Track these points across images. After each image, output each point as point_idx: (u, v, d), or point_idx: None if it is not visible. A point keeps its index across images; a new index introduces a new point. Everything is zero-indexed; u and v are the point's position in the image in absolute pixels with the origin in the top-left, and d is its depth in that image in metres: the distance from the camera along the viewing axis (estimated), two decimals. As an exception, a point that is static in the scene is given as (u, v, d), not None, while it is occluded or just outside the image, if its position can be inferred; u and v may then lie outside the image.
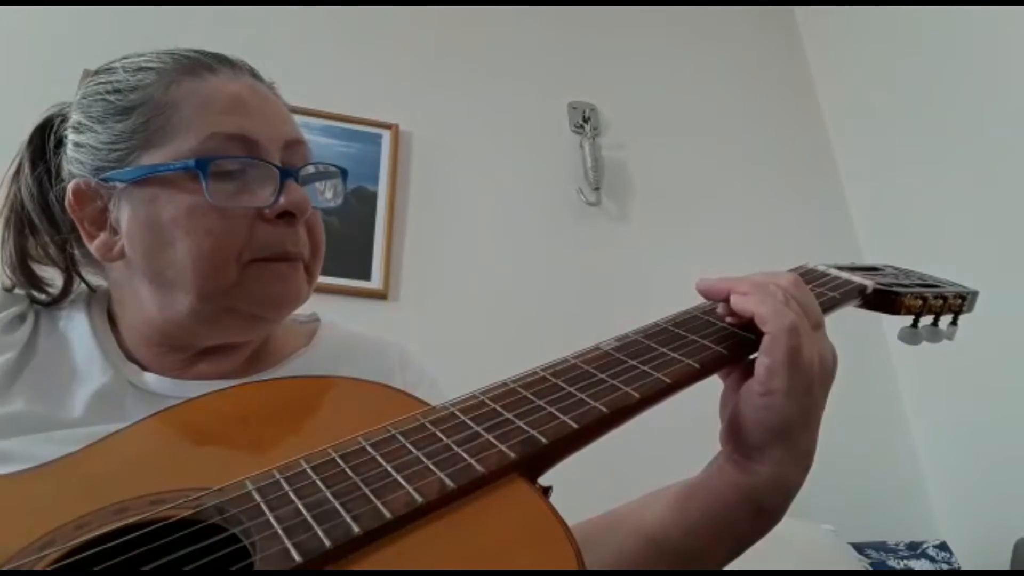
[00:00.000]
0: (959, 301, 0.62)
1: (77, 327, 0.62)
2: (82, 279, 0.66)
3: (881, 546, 1.56)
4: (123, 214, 0.57)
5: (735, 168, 2.09)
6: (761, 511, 0.48)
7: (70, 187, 0.58)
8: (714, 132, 2.13)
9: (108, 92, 0.59)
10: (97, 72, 0.62)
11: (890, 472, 1.80)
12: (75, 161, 0.59)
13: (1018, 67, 1.66)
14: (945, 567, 1.53)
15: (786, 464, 0.46)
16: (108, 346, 0.61)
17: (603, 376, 0.45)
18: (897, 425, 1.88)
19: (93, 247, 0.59)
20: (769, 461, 0.46)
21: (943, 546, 1.58)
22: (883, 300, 0.59)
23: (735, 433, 0.47)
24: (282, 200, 0.57)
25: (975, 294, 0.64)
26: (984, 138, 1.73)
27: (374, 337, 0.74)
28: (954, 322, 0.63)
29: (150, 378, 0.59)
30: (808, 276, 0.59)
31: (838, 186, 2.18)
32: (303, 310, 0.66)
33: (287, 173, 0.58)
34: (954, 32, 1.84)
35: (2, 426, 0.52)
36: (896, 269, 0.66)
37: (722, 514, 0.48)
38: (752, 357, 0.47)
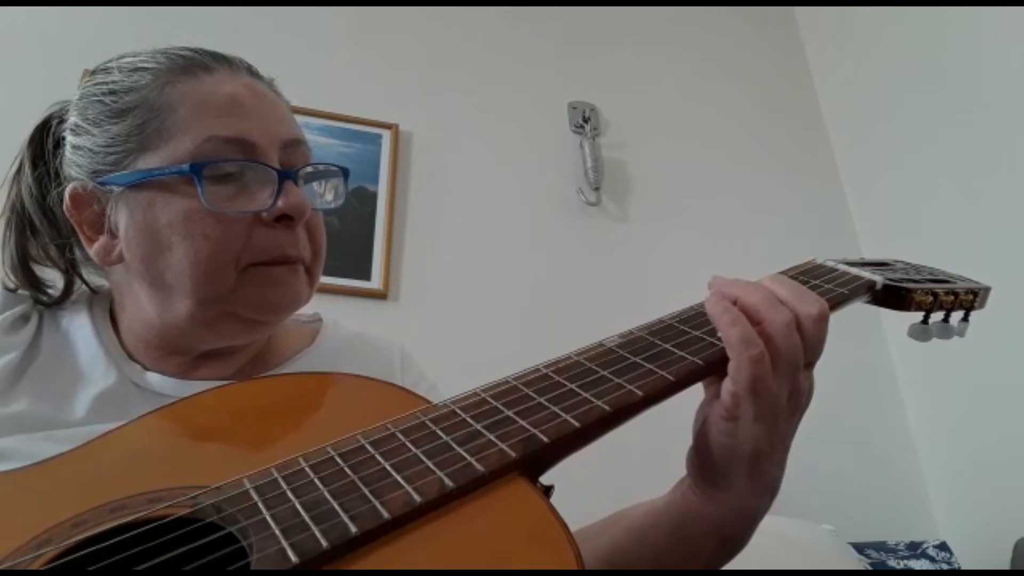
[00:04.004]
0: (971, 297, 0.61)
1: (80, 328, 0.61)
2: (83, 281, 0.65)
3: (881, 546, 1.55)
4: (121, 218, 0.57)
5: (735, 168, 2.09)
6: (726, 541, 0.48)
7: (67, 191, 0.58)
8: (714, 132, 2.13)
9: (104, 94, 0.58)
10: (94, 72, 0.61)
11: (890, 472, 1.80)
12: (73, 164, 0.59)
13: (1018, 65, 1.65)
14: (945, 567, 1.53)
15: (750, 494, 0.46)
16: (111, 347, 0.60)
17: (606, 374, 0.44)
18: (897, 425, 1.87)
19: (92, 251, 0.59)
20: (734, 490, 0.46)
21: (943, 546, 1.58)
22: (893, 296, 0.58)
23: (701, 457, 0.46)
24: (280, 203, 0.56)
25: (987, 290, 0.63)
26: (984, 136, 1.73)
27: (376, 337, 0.73)
28: (965, 318, 0.62)
29: (153, 378, 0.59)
30: (816, 272, 0.58)
31: (838, 186, 2.18)
32: (305, 310, 0.66)
33: (285, 175, 0.57)
34: (954, 31, 1.83)
35: (5, 425, 0.52)
36: (906, 264, 0.65)
37: (687, 546, 0.48)
38: None
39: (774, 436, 0.44)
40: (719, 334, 0.45)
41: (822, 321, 0.46)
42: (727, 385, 0.43)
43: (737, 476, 0.45)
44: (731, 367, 0.43)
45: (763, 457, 0.44)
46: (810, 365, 0.46)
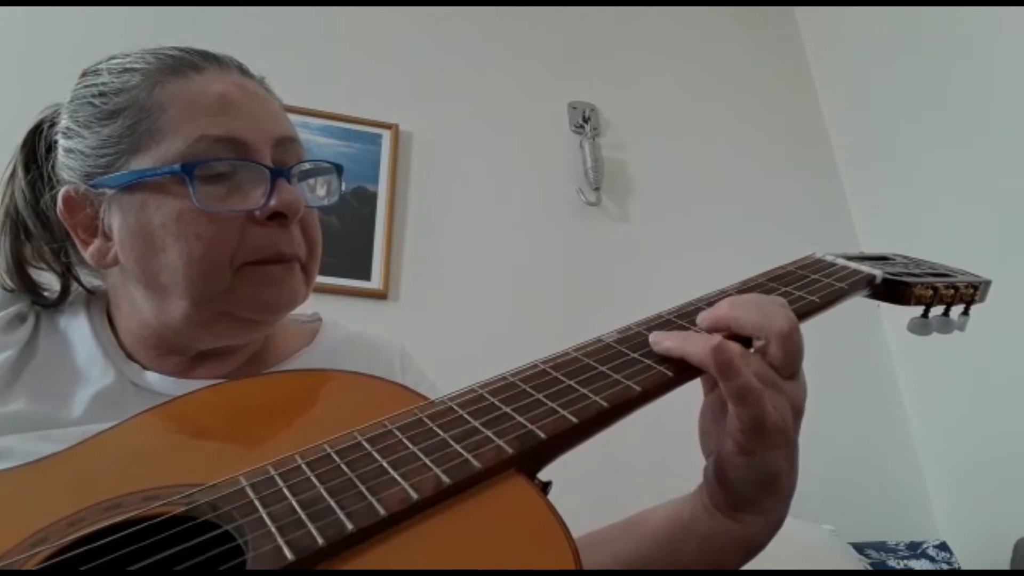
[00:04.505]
0: (971, 291, 0.61)
1: (77, 328, 0.61)
2: (79, 283, 0.65)
3: (881, 546, 1.55)
4: (114, 221, 0.56)
5: (735, 168, 2.09)
6: (752, 550, 0.48)
7: (60, 195, 0.57)
8: (714, 132, 2.13)
9: (94, 96, 0.58)
10: (84, 74, 0.61)
11: (890, 472, 1.80)
12: (65, 167, 0.58)
13: (1017, 64, 1.65)
14: (945, 567, 1.53)
15: (776, 508, 0.47)
16: (109, 346, 0.60)
17: (604, 369, 0.44)
18: (897, 425, 1.87)
19: (87, 254, 0.58)
20: (761, 510, 0.47)
21: (943, 546, 1.58)
22: (893, 290, 0.58)
23: (724, 489, 0.47)
24: (273, 201, 0.56)
25: (987, 283, 0.62)
26: (984, 135, 1.73)
27: (376, 337, 0.73)
28: (965, 312, 0.61)
29: (152, 377, 0.59)
30: (815, 266, 0.58)
31: (838, 185, 2.18)
32: (304, 309, 0.65)
33: (278, 173, 0.57)
34: (953, 31, 1.83)
35: (2, 424, 0.52)
36: (906, 258, 0.64)
37: (716, 559, 0.49)
38: None
39: (790, 450, 0.45)
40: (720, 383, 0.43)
41: (792, 335, 0.45)
42: (734, 423, 0.43)
43: (764, 498, 0.46)
44: (733, 411, 0.43)
45: (782, 474, 0.45)
46: (794, 376, 0.46)
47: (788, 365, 0.45)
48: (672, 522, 0.51)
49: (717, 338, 0.43)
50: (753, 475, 0.45)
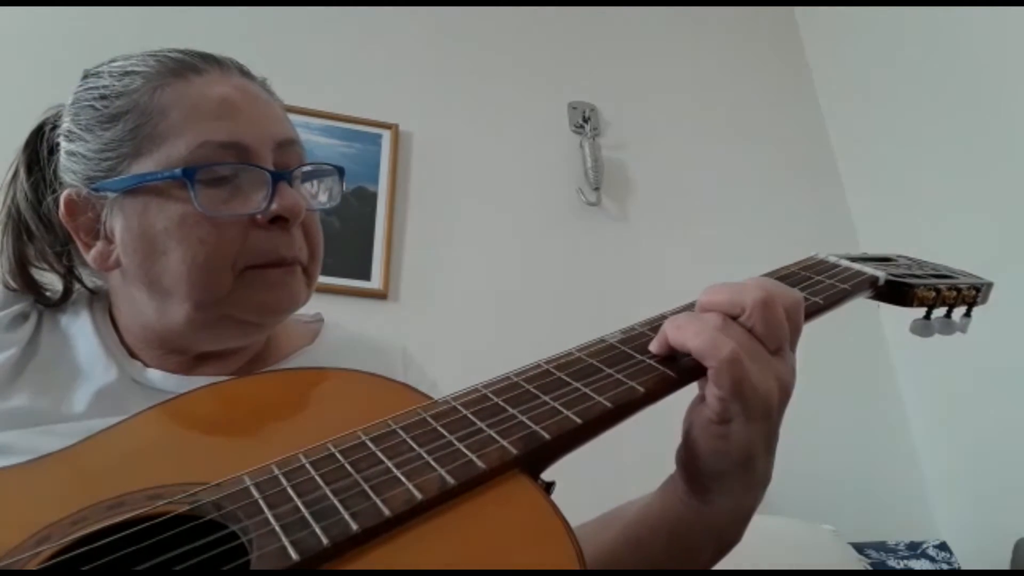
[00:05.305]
0: (973, 293, 0.61)
1: (80, 326, 0.61)
2: (82, 284, 0.65)
3: (881, 546, 1.55)
4: (116, 224, 0.56)
5: (735, 167, 2.09)
6: (723, 542, 0.48)
7: (62, 198, 0.57)
8: (714, 132, 2.13)
9: (95, 99, 0.58)
10: (86, 77, 0.61)
11: (890, 472, 1.80)
12: (68, 170, 0.58)
13: (1017, 62, 1.65)
14: (945, 567, 1.53)
15: (745, 493, 0.46)
16: (111, 344, 0.60)
17: (608, 370, 0.44)
18: (897, 425, 1.87)
19: (89, 257, 0.58)
20: (729, 491, 0.45)
21: (943, 546, 1.58)
22: (895, 291, 0.58)
23: (694, 463, 0.46)
24: (274, 205, 0.56)
25: (989, 285, 0.62)
26: (984, 134, 1.73)
27: (377, 337, 0.73)
28: (967, 314, 0.61)
29: (154, 375, 0.59)
30: (818, 267, 0.58)
31: (838, 185, 2.18)
32: (306, 310, 0.65)
33: (279, 176, 0.57)
34: (953, 30, 1.83)
35: (4, 420, 0.52)
36: (909, 259, 0.64)
37: (686, 554, 0.48)
38: None
39: (768, 429, 0.44)
40: (690, 350, 0.43)
41: (770, 303, 0.43)
42: (712, 390, 0.42)
43: (732, 477, 0.45)
44: (711, 373, 0.42)
45: (758, 455, 0.44)
46: (779, 351, 0.44)
47: (770, 335, 0.43)
48: (641, 518, 0.50)
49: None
50: (725, 447, 0.43)
